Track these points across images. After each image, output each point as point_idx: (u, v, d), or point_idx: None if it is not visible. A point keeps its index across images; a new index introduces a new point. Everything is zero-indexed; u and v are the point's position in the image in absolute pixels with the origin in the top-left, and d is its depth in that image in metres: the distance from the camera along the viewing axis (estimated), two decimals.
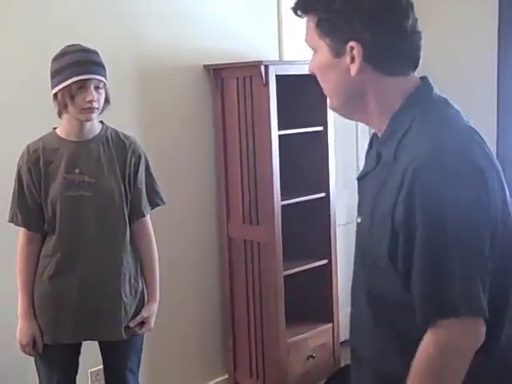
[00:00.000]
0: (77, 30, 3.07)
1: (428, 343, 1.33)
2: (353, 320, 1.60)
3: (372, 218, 1.43)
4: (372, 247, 1.43)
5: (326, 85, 1.48)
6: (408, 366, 1.36)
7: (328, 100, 1.53)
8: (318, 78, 1.50)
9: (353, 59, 1.40)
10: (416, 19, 1.42)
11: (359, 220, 1.52)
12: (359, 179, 1.56)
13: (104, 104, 2.50)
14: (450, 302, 1.30)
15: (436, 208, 1.30)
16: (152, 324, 2.67)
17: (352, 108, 1.49)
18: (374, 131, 1.56)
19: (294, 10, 1.49)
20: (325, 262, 3.79)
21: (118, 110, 3.18)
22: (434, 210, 1.30)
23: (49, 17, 3.03)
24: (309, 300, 3.87)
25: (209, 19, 3.61)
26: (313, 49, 1.48)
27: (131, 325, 2.59)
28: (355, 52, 1.39)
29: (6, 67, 2.93)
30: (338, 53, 1.42)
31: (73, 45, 2.48)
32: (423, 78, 1.48)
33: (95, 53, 2.48)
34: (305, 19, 1.50)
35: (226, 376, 3.80)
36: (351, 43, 1.39)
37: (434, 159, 1.32)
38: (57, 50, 2.49)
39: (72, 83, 2.39)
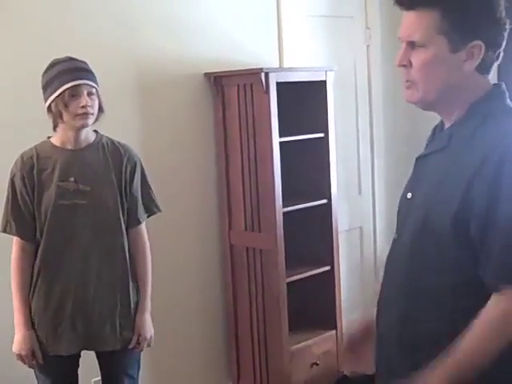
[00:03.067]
0: (77, 39, 3.09)
1: (493, 307, 1.46)
2: (382, 296, 1.70)
3: (439, 188, 1.54)
4: (433, 217, 1.53)
5: (431, 79, 1.56)
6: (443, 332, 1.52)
7: (416, 93, 1.58)
8: (416, 72, 1.56)
9: (470, 56, 1.52)
10: None
11: (409, 196, 1.64)
12: (418, 159, 1.67)
13: (98, 112, 2.49)
14: None
15: None
16: (148, 335, 2.61)
17: (443, 101, 1.58)
18: (436, 123, 1.70)
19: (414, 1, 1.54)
20: (327, 268, 3.78)
21: (118, 119, 3.20)
22: None
23: (48, 27, 3.04)
24: (312, 307, 3.86)
25: (209, 27, 3.61)
26: (419, 43, 1.54)
27: (130, 346, 2.57)
28: (476, 50, 1.52)
29: (1, 77, 2.93)
30: (456, 48, 1.52)
31: (60, 57, 2.48)
32: (500, 83, 1.63)
33: (84, 62, 2.49)
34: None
35: None
36: (476, 42, 1.51)
37: None
38: None
39: (64, 90, 2.39)
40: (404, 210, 1.68)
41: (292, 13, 3.95)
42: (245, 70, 3.52)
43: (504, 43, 1.57)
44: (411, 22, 1.54)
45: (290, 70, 3.70)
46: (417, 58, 1.55)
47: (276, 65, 3.90)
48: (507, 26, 1.56)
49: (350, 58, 4.32)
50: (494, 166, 1.45)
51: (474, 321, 1.48)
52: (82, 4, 3.14)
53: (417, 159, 1.69)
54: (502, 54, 1.59)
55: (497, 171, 1.45)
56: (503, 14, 1.55)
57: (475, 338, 1.48)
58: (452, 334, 1.51)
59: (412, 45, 1.55)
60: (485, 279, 1.48)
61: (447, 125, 1.63)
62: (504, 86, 1.63)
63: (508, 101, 1.61)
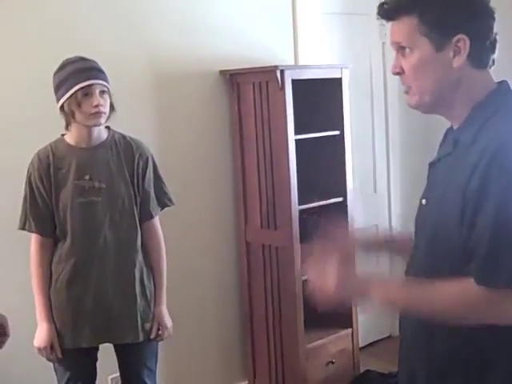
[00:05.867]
0: (93, 38, 3.10)
1: (472, 290, 1.44)
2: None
3: (445, 193, 1.54)
4: (443, 220, 1.53)
5: (422, 81, 1.56)
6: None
7: (413, 98, 1.59)
8: (409, 78, 1.58)
9: (457, 52, 1.52)
10: None
11: (424, 202, 1.64)
12: (431, 165, 1.67)
13: (110, 111, 2.52)
14: (503, 274, 1.41)
15: (508, 184, 1.40)
16: (168, 324, 2.67)
17: (441, 102, 1.58)
18: (448, 127, 1.68)
19: (390, 11, 1.57)
20: None
21: (135, 116, 3.22)
22: (506, 184, 1.40)
23: (64, 25, 3.05)
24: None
25: (224, 25, 3.61)
26: (406, 48, 1.56)
27: (152, 337, 2.62)
28: (461, 44, 1.51)
29: (15, 75, 2.93)
30: (441, 47, 1.52)
31: (71, 57, 2.50)
32: (503, 81, 1.60)
33: (95, 61, 2.51)
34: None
35: (246, 382, 3.79)
36: (459, 36, 1.50)
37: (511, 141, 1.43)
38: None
39: (77, 90, 2.42)
40: (420, 215, 1.68)
41: (307, 10, 3.94)
42: (260, 67, 3.52)
43: (493, 33, 1.55)
44: (396, 29, 1.58)
45: (306, 67, 3.70)
46: (406, 63, 1.57)
47: (291, 62, 3.89)
48: (493, 14, 1.55)
49: (365, 56, 4.31)
50: (486, 163, 1.43)
51: (452, 282, 1.48)
52: (98, 2, 3.15)
53: (429, 165, 1.69)
54: (497, 46, 1.57)
55: (486, 170, 1.42)
56: (485, 3, 1.54)
57: (440, 294, 1.49)
58: (466, 340, 1.51)
59: (402, 51, 1.57)
60: (471, 272, 1.46)
61: (455, 127, 1.62)
62: (507, 82, 1.60)
63: None
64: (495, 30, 1.55)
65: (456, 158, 1.55)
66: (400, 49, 1.57)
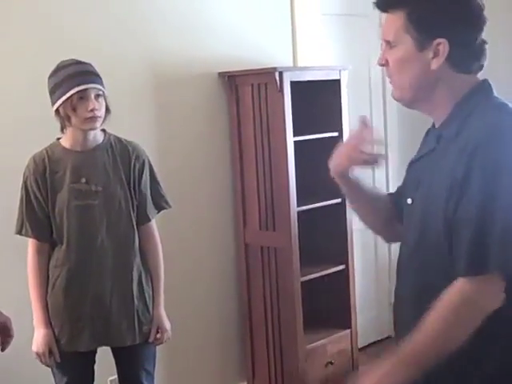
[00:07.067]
0: (91, 40, 3.10)
1: (456, 291, 1.47)
2: (397, 301, 1.71)
3: (431, 188, 1.57)
4: (430, 214, 1.55)
5: (402, 76, 1.60)
6: None
7: (396, 91, 1.64)
8: (391, 70, 1.62)
9: (436, 54, 1.55)
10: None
11: (410, 201, 1.66)
12: (411, 163, 1.71)
13: (105, 114, 2.51)
14: (485, 260, 1.44)
15: (492, 172, 1.44)
16: (167, 326, 2.67)
17: (420, 98, 1.62)
18: (429, 127, 1.72)
19: (385, 2, 1.61)
20: (342, 267, 3.78)
21: (133, 118, 3.22)
22: (490, 173, 1.44)
23: (62, 27, 3.05)
24: (326, 306, 3.86)
25: (223, 27, 3.62)
26: (392, 43, 1.60)
27: (150, 340, 2.62)
28: (441, 48, 1.54)
29: (15, 76, 2.93)
30: (422, 47, 1.55)
31: (66, 60, 2.50)
32: (484, 80, 1.63)
33: (90, 64, 2.51)
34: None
35: (245, 383, 3.80)
36: (439, 39, 1.53)
37: (496, 132, 1.48)
38: None
39: (72, 95, 2.41)
40: (406, 215, 1.70)
41: (306, 11, 3.95)
42: (259, 69, 3.52)
43: (476, 42, 1.57)
44: (387, 22, 1.62)
45: (304, 69, 3.71)
46: (390, 56, 1.61)
47: (290, 64, 3.90)
48: (480, 24, 1.57)
49: (364, 57, 4.31)
50: (470, 152, 1.47)
51: (437, 303, 1.49)
52: (97, 4, 3.16)
53: (410, 163, 1.72)
54: (487, 52, 1.59)
55: (470, 159, 1.46)
56: (474, 12, 1.56)
57: (437, 320, 1.49)
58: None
59: (389, 44, 1.61)
60: (455, 264, 1.49)
61: (437, 125, 1.65)
62: (488, 81, 1.63)
63: (493, 96, 1.61)
64: (483, 39, 1.57)
65: (440, 154, 1.58)
66: (387, 42, 1.62)
